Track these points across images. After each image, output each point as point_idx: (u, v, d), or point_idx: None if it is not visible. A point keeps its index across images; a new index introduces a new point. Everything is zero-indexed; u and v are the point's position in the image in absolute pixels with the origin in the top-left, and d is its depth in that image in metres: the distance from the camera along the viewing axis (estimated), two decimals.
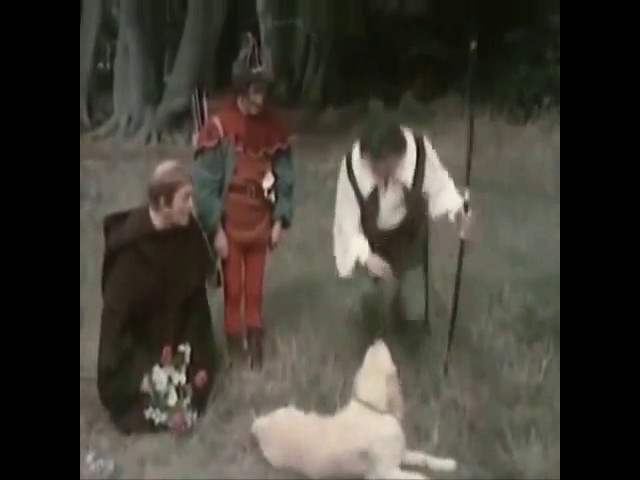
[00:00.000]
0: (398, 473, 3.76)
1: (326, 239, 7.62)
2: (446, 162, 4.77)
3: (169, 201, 4.26)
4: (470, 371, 4.81)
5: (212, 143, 4.82)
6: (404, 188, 4.58)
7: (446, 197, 4.64)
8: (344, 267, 4.78)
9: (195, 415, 4.29)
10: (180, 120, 14.66)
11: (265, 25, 17.22)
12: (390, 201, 4.62)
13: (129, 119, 15.50)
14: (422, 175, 4.58)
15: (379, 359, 3.96)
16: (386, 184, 4.57)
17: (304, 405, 4.27)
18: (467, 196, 4.56)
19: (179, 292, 4.42)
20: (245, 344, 5.10)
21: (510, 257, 7.08)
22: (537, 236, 7.64)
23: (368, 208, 4.63)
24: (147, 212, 4.36)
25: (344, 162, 4.70)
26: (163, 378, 4.23)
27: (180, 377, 4.27)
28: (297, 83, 18.65)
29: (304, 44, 18.80)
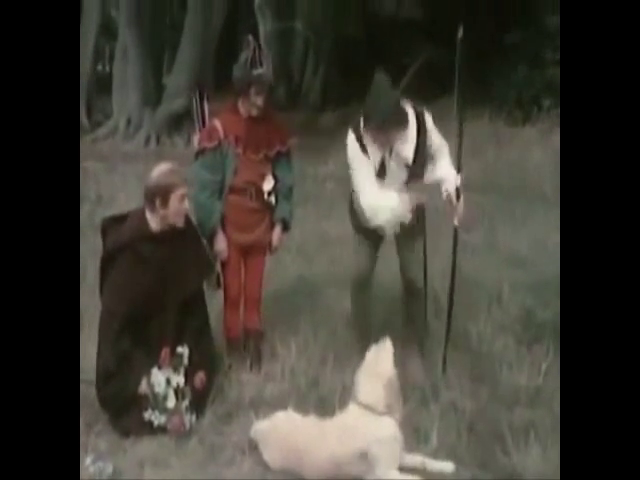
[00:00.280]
0: (397, 475, 3.76)
1: (325, 241, 7.71)
2: None
3: (165, 203, 4.27)
4: (469, 373, 4.83)
5: (212, 144, 4.82)
6: (406, 165, 4.65)
7: (441, 165, 4.72)
8: (376, 216, 4.71)
9: (194, 417, 4.29)
10: (179, 122, 14.67)
11: (264, 27, 17.22)
12: (394, 173, 4.68)
13: (128, 121, 15.49)
14: (423, 150, 4.67)
15: (380, 359, 3.95)
16: (390, 156, 4.64)
17: (303, 407, 4.27)
18: (459, 182, 4.65)
19: (177, 293, 4.43)
20: (244, 346, 5.10)
21: (509, 259, 7.08)
22: (536, 238, 7.64)
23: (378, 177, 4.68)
24: (144, 214, 4.37)
25: (351, 134, 4.72)
26: (161, 380, 4.23)
27: (179, 379, 4.27)
28: (296, 86, 18.66)
29: (303, 46, 18.81)
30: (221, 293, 5.11)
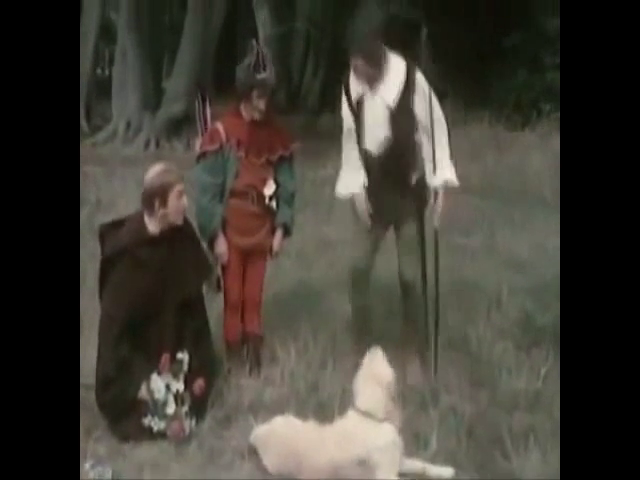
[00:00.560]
0: None
1: (325, 245, 7.71)
2: None
3: (164, 202, 4.29)
4: (468, 378, 4.83)
5: (214, 147, 4.83)
6: (387, 106, 4.72)
7: (435, 152, 4.77)
8: (340, 190, 5.05)
9: (194, 422, 4.29)
10: (179, 126, 14.66)
11: (263, 29, 17.22)
12: (373, 114, 4.77)
13: (128, 125, 15.48)
14: (408, 100, 4.72)
15: (376, 366, 3.96)
16: (372, 94, 4.75)
17: (302, 412, 4.27)
18: (437, 182, 4.76)
19: (176, 295, 4.43)
20: (244, 350, 5.10)
21: (508, 263, 7.09)
22: (536, 242, 7.65)
23: (355, 119, 4.85)
24: (142, 218, 4.38)
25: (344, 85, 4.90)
26: (161, 386, 4.23)
27: (178, 385, 4.27)
28: (295, 88, 18.67)
29: (303, 48, 18.81)
30: (221, 297, 5.11)
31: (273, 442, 4.00)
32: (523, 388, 4.60)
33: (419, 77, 4.73)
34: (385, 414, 3.85)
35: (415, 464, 3.89)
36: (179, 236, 4.44)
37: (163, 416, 4.20)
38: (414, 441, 4.10)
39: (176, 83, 15.39)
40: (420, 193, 4.88)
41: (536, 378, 4.67)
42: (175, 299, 4.42)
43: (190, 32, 15.21)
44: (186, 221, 4.52)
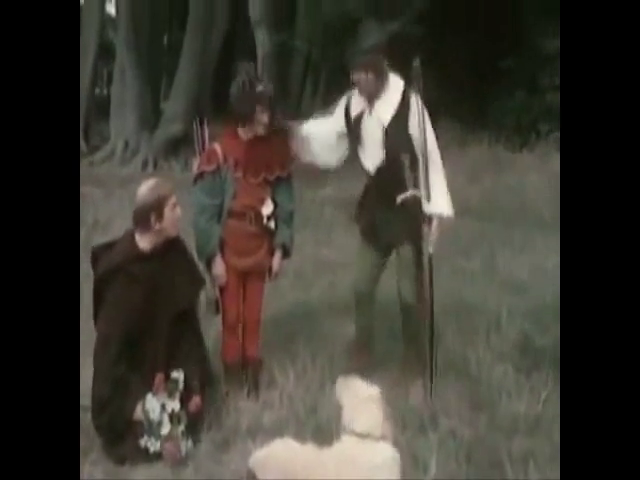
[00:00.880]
0: None
1: (324, 267, 7.71)
2: None
3: (160, 216, 4.28)
4: (468, 401, 4.82)
5: (211, 168, 4.83)
6: (382, 126, 4.84)
7: (433, 183, 4.83)
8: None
9: (190, 443, 4.28)
10: (177, 147, 14.71)
11: (262, 46, 17.27)
12: (370, 133, 4.89)
13: (126, 145, 15.53)
14: (404, 121, 4.82)
15: (359, 388, 3.92)
16: (370, 113, 4.88)
17: (301, 435, 4.25)
18: (431, 210, 4.84)
19: (170, 309, 4.41)
20: (242, 373, 5.08)
21: (508, 285, 7.08)
22: (535, 264, 7.66)
23: (353, 133, 4.98)
24: (132, 237, 4.37)
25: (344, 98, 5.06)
26: (156, 407, 4.21)
27: (174, 404, 4.26)
28: (294, 108, 18.69)
29: (302, 66, 18.85)
30: (219, 318, 5.09)
31: (272, 466, 3.96)
32: (523, 412, 4.58)
33: (415, 100, 4.80)
34: (381, 432, 3.83)
35: None
36: (171, 249, 4.43)
37: (158, 436, 4.19)
38: (413, 465, 4.08)
39: (174, 103, 15.46)
40: (414, 215, 4.92)
41: (536, 401, 4.66)
42: (169, 313, 4.40)
43: (189, 53, 15.29)
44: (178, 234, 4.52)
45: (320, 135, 5.12)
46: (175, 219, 4.38)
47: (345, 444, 3.88)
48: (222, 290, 5.00)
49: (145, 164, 14.96)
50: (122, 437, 4.24)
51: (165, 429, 4.19)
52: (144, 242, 4.35)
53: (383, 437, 3.81)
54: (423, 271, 4.97)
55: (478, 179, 11.27)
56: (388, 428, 3.86)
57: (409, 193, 4.87)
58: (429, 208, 4.82)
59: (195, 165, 5.09)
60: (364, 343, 5.28)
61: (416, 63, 4.66)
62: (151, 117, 15.81)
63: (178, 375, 4.32)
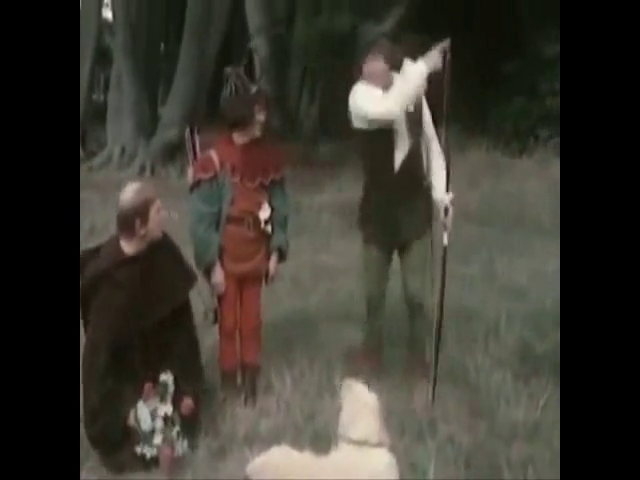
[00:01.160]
0: None
1: (321, 273, 7.71)
2: None
3: (145, 220, 4.23)
4: (467, 407, 4.81)
5: (208, 175, 4.83)
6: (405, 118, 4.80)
7: (436, 171, 4.92)
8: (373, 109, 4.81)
9: (185, 444, 4.26)
10: (174, 152, 14.70)
11: (259, 55, 17.31)
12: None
13: (122, 151, 15.54)
14: (419, 112, 4.86)
15: (359, 394, 3.93)
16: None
17: (298, 442, 4.25)
18: (447, 200, 4.84)
19: (161, 310, 4.37)
20: (239, 380, 5.08)
21: (507, 291, 7.08)
22: (534, 269, 7.66)
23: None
24: (117, 241, 4.33)
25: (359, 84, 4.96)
26: (146, 417, 4.18)
27: (166, 408, 4.23)
28: (292, 114, 18.69)
29: (299, 74, 18.86)
30: (217, 325, 5.09)
31: (269, 473, 3.95)
32: (522, 418, 4.58)
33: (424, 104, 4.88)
34: (378, 439, 3.82)
35: None
36: (157, 250, 4.39)
37: (152, 445, 4.17)
38: (412, 471, 4.07)
39: (171, 109, 15.47)
40: (428, 208, 5.00)
41: (535, 408, 4.66)
42: (160, 315, 4.36)
43: (186, 59, 15.31)
44: (164, 233, 4.48)
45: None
46: (160, 222, 4.34)
47: (342, 452, 3.88)
48: (220, 297, 5.00)
49: (142, 170, 14.96)
50: (118, 445, 4.21)
51: (157, 439, 4.17)
52: (129, 247, 4.30)
53: (380, 444, 3.81)
54: (433, 267, 5.00)
55: (477, 184, 11.27)
56: (385, 435, 3.86)
57: (428, 183, 4.94)
58: (447, 197, 4.84)
59: (190, 174, 5.08)
60: (374, 349, 5.28)
61: (446, 44, 4.61)
62: (148, 123, 15.82)
63: (166, 378, 4.29)
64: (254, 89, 4.80)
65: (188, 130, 5.23)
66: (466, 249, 8.07)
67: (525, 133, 13.80)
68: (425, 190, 4.96)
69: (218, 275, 4.91)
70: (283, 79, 18.25)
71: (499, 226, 9.60)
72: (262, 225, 4.96)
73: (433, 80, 4.68)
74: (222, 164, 4.84)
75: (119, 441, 4.21)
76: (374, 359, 5.24)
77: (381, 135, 4.84)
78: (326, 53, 16.58)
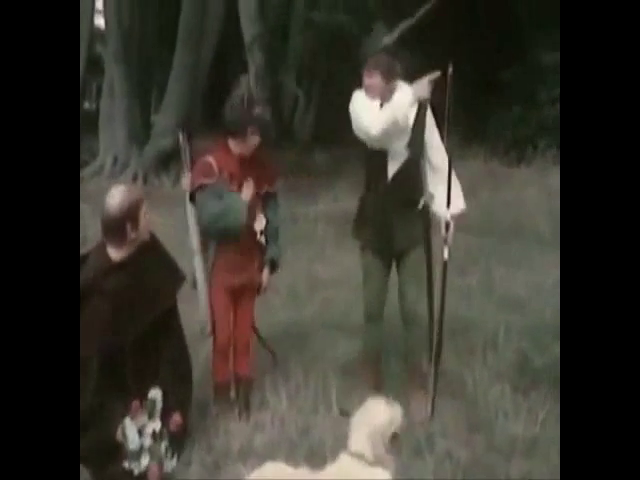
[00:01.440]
0: None
1: (317, 284, 7.70)
2: None
3: (136, 223, 4.20)
4: (464, 422, 4.81)
5: (210, 180, 4.83)
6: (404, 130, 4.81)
7: (438, 184, 4.90)
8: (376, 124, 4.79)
9: (175, 460, 4.23)
10: (167, 161, 14.67)
11: (254, 63, 17.29)
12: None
13: (115, 160, 15.52)
14: (421, 125, 4.84)
15: (373, 410, 3.92)
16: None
17: (293, 458, 4.23)
18: (448, 216, 4.84)
19: (151, 314, 4.33)
20: (233, 394, 5.06)
21: (505, 303, 7.07)
22: (533, 281, 7.65)
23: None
24: (104, 249, 4.29)
25: (357, 92, 4.99)
26: (134, 435, 4.14)
27: (154, 424, 4.19)
28: (287, 123, 18.73)
29: (295, 82, 18.90)
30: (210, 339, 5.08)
31: None
32: (521, 433, 4.57)
33: (426, 105, 4.85)
34: (374, 457, 3.80)
35: None
36: (147, 253, 4.35)
37: (139, 464, 4.14)
38: None
39: (165, 117, 15.45)
40: (426, 220, 5.00)
41: (534, 422, 4.65)
42: (149, 318, 4.31)
43: (180, 66, 15.30)
44: (151, 233, 4.45)
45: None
46: (148, 224, 4.32)
47: (338, 465, 3.87)
48: (213, 311, 4.98)
49: (135, 179, 14.92)
50: (106, 460, 4.17)
51: (145, 459, 4.13)
52: (117, 253, 4.26)
53: (379, 463, 3.79)
54: (432, 279, 5.01)
55: (474, 194, 11.24)
56: (387, 456, 3.85)
57: (427, 197, 4.94)
58: (448, 211, 4.84)
59: (186, 180, 5.04)
60: (372, 360, 5.27)
61: (450, 69, 4.64)
62: (141, 131, 15.81)
63: (155, 394, 4.26)
64: (258, 109, 4.83)
65: (181, 135, 5.22)
66: (464, 260, 8.07)
67: (524, 142, 13.80)
68: (421, 202, 4.96)
69: (247, 191, 4.88)
70: (278, 87, 18.30)
71: (497, 236, 9.59)
72: (257, 236, 4.97)
73: (434, 93, 4.69)
74: (221, 171, 4.85)
75: (108, 456, 4.18)
76: (373, 370, 5.24)
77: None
78: (322, 60, 16.66)
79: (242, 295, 5.08)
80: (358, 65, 4.98)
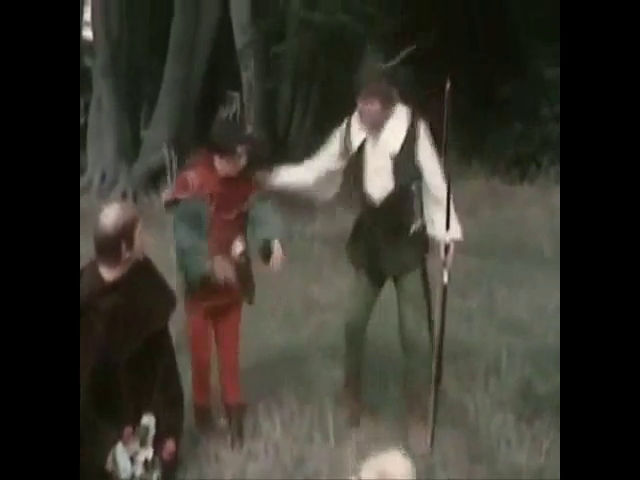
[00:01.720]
0: None
1: (313, 307, 7.69)
2: None
3: (131, 243, 4.18)
4: (466, 451, 4.80)
5: (185, 195, 4.80)
6: (391, 154, 4.86)
7: (436, 209, 4.90)
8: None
9: None
10: (157, 178, 14.63)
11: (248, 78, 17.33)
12: (376, 160, 4.91)
13: (103, 176, 15.46)
14: (412, 149, 4.86)
15: (389, 465, 3.84)
16: (375, 141, 4.90)
17: None
18: (448, 239, 4.83)
19: (143, 338, 4.30)
20: (224, 421, 5.05)
21: (507, 326, 7.06)
22: (536, 303, 7.64)
23: (356, 161, 4.97)
24: (96, 268, 4.27)
25: (343, 124, 5.07)
26: (126, 463, 4.11)
27: (146, 452, 4.17)
28: (282, 138, 18.73)
29: (289, 96, 18.91)
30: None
31: None
32: (524, 463, 4.58)
33: (423, 127, 4.88)
34: None
35: None
36: (140, 273, 4.33)
37: None
38: None
39: (155, 132, 15.40)
40: (420, 244, 5.01)
41: (538, 452, 4.66)
42: (142, 341, 4.32)
43: (170, 79, 15.30)
44: (144, 255, 4.41)
45: (306, 178, 5.21)
46: (142, 243, 4.30)
47: None
48: (190, 333, 4.98)
49: (124, 197, 14.86)
50: None
51: None
52: (110, 273, 4.23)
53: None
54: (430, 304, 5.02)
55: (475, 213, 11.27)
56: None
57: (419, 222, 4.97)
58: (447, 235, 4.84)
59: (165, 196, 5.03)
60: (356, 387, 5.28)
61: (448, 84, 4.66)
62: (130, 147, 15.77)
63: (148, 421, 4.23)
64: (249, 129, 4.82)
65: (166, 151, 5.22)
66: (464, 281, 8.06)
67: (526, 159, 13.81)
68: (413, 228, 4.98)
69: (219, 267, 4.80)
70: (272, 100, 18.33)
71: (499, 257, 9.58)
72: (237, 257, 4.94)
73: (432, 109, 4.72)
74: (201, 188, 4.81)
75: None
76: (357, 400, 5.24)
77: None
78: (321, 65, 16.69)
79: (224, 316, 5.05)
80: (357, 80, 4.98)
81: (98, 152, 15.78)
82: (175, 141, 12.69)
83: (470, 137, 13.63)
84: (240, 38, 16.69)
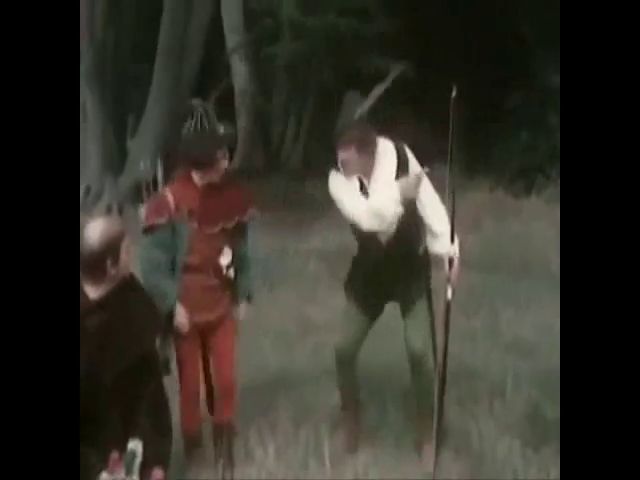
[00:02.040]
0: None
1: (308, 326, 7.68)
2: None
3: (116, 259, 4.17)
4: (469, 479, 4.79)
5: (162, 220, 4.78)
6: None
7: (435, 221, 4.98)
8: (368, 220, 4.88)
9: None
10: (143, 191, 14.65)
11: (240, 86, 17.34)
12: (380, 194, 4.87)
13: (87, 190, 15.46)
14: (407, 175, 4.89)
15: None
16: (369, 180, 4.91)
17: None
18: (452, 253, 4.88)
19: (129, 359, 4.27)
20: (212, 448, 5.04)
21: (513, 347, 7.07)
22: (542, 323, 7.63)
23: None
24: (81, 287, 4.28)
25: (333, 172, 5.03)
26: None
27: None
28: (276, 151, 18.73)
29: (283, 106, 18.92)
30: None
31: None
32: None
33: (410, 156, 4.95)
34: None
35: None
36: (126, 291, 4.32)
37: None
38: None
39: (141, 143, 15.42)
40: (427, 264, 5.10)
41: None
42: (129, 362, 4.31)
43: (159, 86, 15.31)
44: (130, 272, 4.41)
45: None
46: (129, 259, 4.30)
47: None
48: (179, 353, 4.97)
49: (109, 211, 14.86)
50: None
51: None
52: (95, 291, 4.23)
53: None
54: (434, 322, 5.07)
55: (479, 227, 11.30)
56: None
57: (424, 243, 5.03)
58: (451, 250, 4.89)
59: (143, 214, 5.03)
60: (354, 411, 5.29)
61: (454, 93, 4.68)
62: (116, 158, 15.76)
63: (135, 446, 4.22)
64: (221, 129, 4.81)
65: (142, 163, 5.22)
66: (468, 299, 8.06)
67: (532, 170, 13.86)
68: (421, 249, 5.05)
69: (180, 315, 4.85)
70: (265, 110, 18.33)
71: (504, 273, 9.59)
72: (224, 271, 4.96)
73: (438, 119, 4.76)
74: (178, 207, 4.79)
75: None
76: (354, 423, 5.27)
77: None
78: (312, 80, 16.72)
79: (215, 334, 5.05)
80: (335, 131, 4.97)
81: (82, 163, 15.73)
82: (163, 152, 12.71)
83: (473, 148, 13.67)
84: (231, 40, 16.72)
